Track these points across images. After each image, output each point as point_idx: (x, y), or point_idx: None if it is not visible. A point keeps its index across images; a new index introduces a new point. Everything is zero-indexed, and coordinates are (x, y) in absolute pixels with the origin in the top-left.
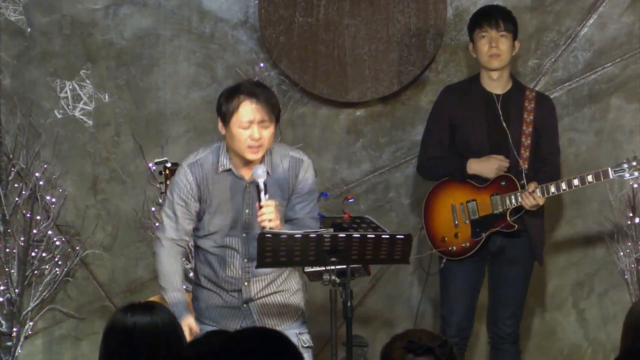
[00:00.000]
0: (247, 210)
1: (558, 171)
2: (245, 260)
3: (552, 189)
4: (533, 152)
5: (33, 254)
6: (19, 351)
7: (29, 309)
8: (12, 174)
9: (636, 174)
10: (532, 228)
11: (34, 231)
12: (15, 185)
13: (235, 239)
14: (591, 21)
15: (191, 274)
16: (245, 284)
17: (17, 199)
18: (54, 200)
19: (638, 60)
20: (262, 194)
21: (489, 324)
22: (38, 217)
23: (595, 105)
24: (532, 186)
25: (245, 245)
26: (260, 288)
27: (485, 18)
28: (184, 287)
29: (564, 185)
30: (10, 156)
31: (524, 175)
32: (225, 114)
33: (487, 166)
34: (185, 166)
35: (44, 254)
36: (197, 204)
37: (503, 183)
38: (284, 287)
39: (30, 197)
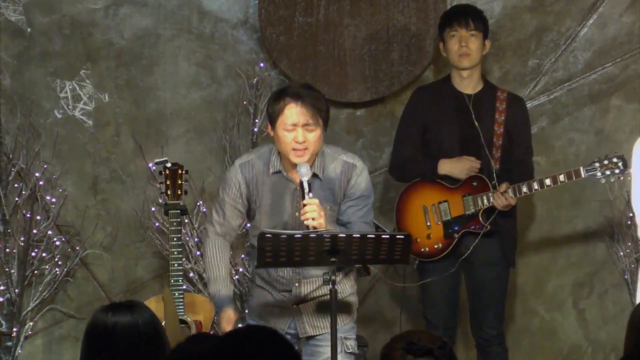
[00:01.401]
0: (296, 214)
1: (531, 171)
2: None
3: (524, 189)
4: (505, 152)
5: (33, 254)
6: (19, 351)
7: (29, 309)
8: (12, 174)
9: (608, 172)
10: (504, 229)
11: (34, 231)
12: (15, 185)
13: None
14: (591, 21)
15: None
16: (296, 284)
17: (17, 199)
18: (54, 200)
19: (638, 60)
20: (306, 191)
21: (473, 329)
22: (38, 217)
23: (595, 105)
24: (503, 186)
25: None
26: (310, 290)
27: (455, 17)
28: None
29: (535, 185)
30: (10, 156)
31: (495, 175)
32: (271, 116)
33: (458, 167)
34: (236, 165)
35: (43, 254)
36: (245, 201)
37: (475, 183)
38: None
39: (30, 197)
